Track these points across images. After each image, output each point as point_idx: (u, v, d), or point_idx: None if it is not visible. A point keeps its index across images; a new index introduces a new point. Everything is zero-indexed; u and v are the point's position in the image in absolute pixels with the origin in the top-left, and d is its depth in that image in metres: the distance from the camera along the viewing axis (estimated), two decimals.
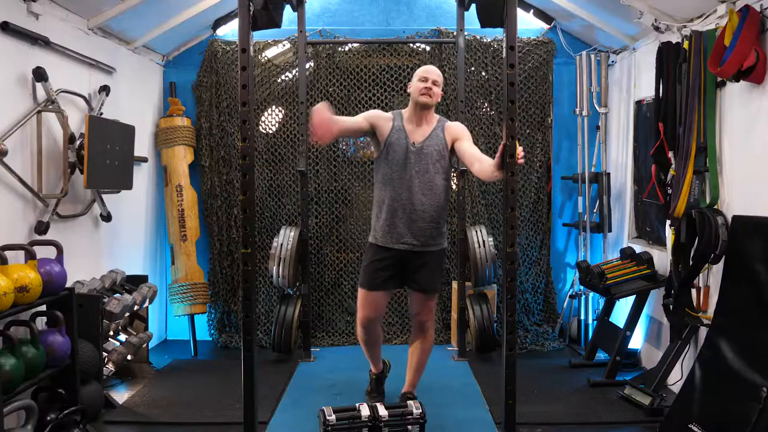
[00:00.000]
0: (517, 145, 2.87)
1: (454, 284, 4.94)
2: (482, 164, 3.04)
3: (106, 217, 4.13)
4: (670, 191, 3.74)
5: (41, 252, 3.22)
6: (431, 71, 3.25)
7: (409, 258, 3.28)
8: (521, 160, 2.85)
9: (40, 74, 3.41)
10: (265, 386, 3.89)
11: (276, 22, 3.50)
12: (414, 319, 3.47)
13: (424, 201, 3.21)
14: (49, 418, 3.05)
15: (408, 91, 3.31)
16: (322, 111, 2.80)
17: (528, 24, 5.15)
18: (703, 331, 3.48)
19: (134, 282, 4.34)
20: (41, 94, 3.49)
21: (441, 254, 3.37)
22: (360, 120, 3.23)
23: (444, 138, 3.25)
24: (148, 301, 4.35)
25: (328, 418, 3.02)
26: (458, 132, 3.26)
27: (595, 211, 5.05)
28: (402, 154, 3.21)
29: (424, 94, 3.19)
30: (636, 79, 4.63)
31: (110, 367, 3.99)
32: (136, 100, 4.75)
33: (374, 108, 5.08)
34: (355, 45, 5.13)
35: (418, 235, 3.23)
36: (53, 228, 3.56)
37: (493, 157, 2.97)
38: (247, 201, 2.87)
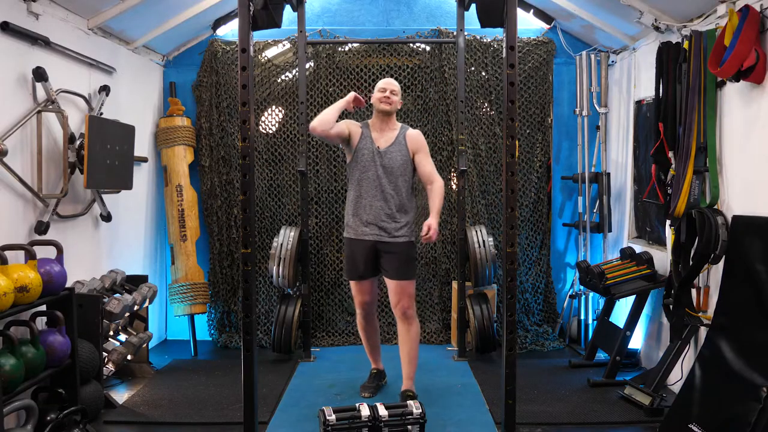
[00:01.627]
0: (431, 229, 3.45)
1: (454, 284, 4.94)
2: (431, 189, 3.62)
3: (106, 217, 4.13)
4: (670, 191, 3.74)
5: (41, 252, 3.22)
6: (389, 82, 3.73)
7: (379, 248, 3.66)
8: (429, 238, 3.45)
9: (40, 74, 3.41)
10: (265, 386, 3.90)
11: (276, 22, 3.50)
12: (395, 310, 3.73)
13: (389, 199, 3.63)
14: (49, 418, 3.05)
15: (371, 101, 3.75)
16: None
17: (528, 24, 5.15)
18: (703, 331, 3.49)
19: (134, 282, 4.34)
20: (41, 94, 3.49)
21: (408, 245, 3.70)
22: (342, 125, 3.67)
23: (406, 145, 3.69)
24: (148, 301, 4.35)
25: (328, 418, 3.02)
26: (418, 144, 3.71)
27: (595, 211, 5.05)
28: (369, 157, 3.66)
29: (383, 102, 3.66)
30: (636, 79, 4.63)
31: (110, 367, 3.99)
32: (136, 100, 4.76)
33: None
34: (355, 45, 5.13)
35: (385, 228, 3.63)
36: (53, 228, 3.56)
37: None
38: (247, 201, 2.87)
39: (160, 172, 5.09)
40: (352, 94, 3.66)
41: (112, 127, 3.97)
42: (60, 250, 3.32)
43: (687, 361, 3.56)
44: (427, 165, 3.68)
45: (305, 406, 3.65)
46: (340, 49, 5.15)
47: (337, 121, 3.60)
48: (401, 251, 3.66)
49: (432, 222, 3.48)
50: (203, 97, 5.17)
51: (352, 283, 3.82)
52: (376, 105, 3.68)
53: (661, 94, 3.77)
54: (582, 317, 5.06)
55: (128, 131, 4.17)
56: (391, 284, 3.70)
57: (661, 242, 4.26)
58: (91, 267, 4.08)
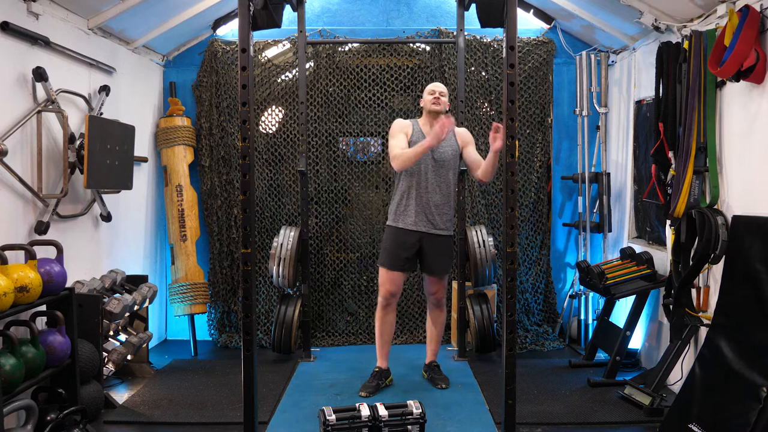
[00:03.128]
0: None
1: (454, 284, 4.93)
2: (484, 167, 3.72)
3: (106, 217, 4.14)
4: (670, 191, 3.74)
5: (41, 252, 3.22)
6: (437, 86, 3.94)
7: (424, 240, 3.85)
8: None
9: (40, 74, 3.41)
10: (265, 386, 3.90)
11: (276, 22, 3.50)
12: (430, 297, 4.06)
13: (438, 192, 3.83)
14: (49, 418, 3.05)
15: (421, 105, 3.99)
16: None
17: (528, 24, 5.16)
18: (703, 331, 3.49)
19: (134, 282, 4.34)
20: (41, 94, 3.49)
21: (450, 239, 3.97)
22: (402, 138, 3.85)
23: (456, 141, 3.91)
24: (148, 301, 4.35)
25: (328, 418, 3.02)
26: (467, 139, 3.96)
27: (595, 211, 5.05)
28: None
29: (434, 103, 3.88)
30: (636, 79, 4.63)
31: (110, 367, 4.00)
32: (136, 100, 4.76)
33: (374, 107, 5.11)
34: (355, 45, 5.13)
35: (433, 221, 3.83)
36: (53, 228, 3.56)
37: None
38: (247, 201, 2.87)
39: (160, 172, 5.09)
40: (437, 134, 3.54)
41: (112, 127, 3.97)
42: (60, 250, 3.32)
43: (687, 361, 3.56)
44: (475, 154, 3.91)
45: (305, 406, 3.65)
46: (340, 49, 5.15)
47: (403, 139, 3.81)
48: (445, 245, 3.91)
49: (500, 141, 3.40)
50: (203, 97, 5.17)
51: (384, 272, 3.90)
52: (428, 107, 3.89)
53: (661, 94, 3.77)
54: (582, 317, 5.06)
55: (128, 131, 4.17)
56: (432, 277, 3.96)
57: (661, 242, 4.26)
58: (91, 267, 4.08)
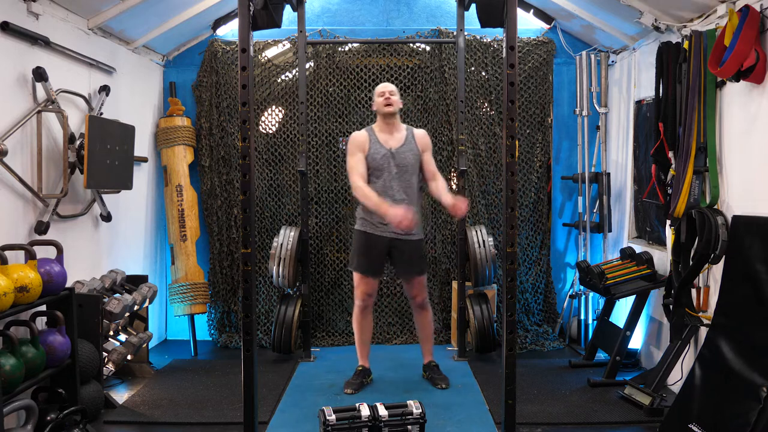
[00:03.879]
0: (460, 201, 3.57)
1: (454, 284, 4.93)
2: (436, 184, 3.79)
3: (106, 217, 4.13)
4: (670, 191, 3.74)
5: (41, 252, 3.22)
6: (386, 86, 3.88)
7: (393, 246, 3.82)
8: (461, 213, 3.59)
9: (40, 74, 3.41)
10: (265, 386, 3.90)
11: (276, 22, 3.50)
12: (412, 302, 4.02)
13: (404, 197, 3.75)
14: (49, 418, 3.04)
15: (373, 108, 3.91)
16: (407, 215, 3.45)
17: (528, 24, 5.15)
18: (703, 331, 3.48)
19: (134, 282, 4.34)
20: (41, 94, 3.49)
21: (421, 242, 3.94)
22: (360, 157, 3.78)
23: (416, 145, 3.86)
24: (148, 301, 4.35)
25: (328, 418, 3.02)
26: (426, 144, 3.91)
27: (595, 211, 5.05)
28: (383, 159, 3.77)
29: (386, 105, 3.80)
30: (636, 79, 4.63)
31: (110, 367, 3.99)
32: (136, 100, 4.76)
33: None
34: (355, 45, 5.13)
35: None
36: (53, 228, 3.56)
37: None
38: (247, 201, 2.87)
39: (160, 172, 5.09)
40: (396, 218, 3.47)
41: (112, 127, 3.97)
42: (60, 250, 3.32)
43: (687, 361, 3.56)
44: (432, 164, 3.89)
45: (305, 406, 3.65)
46: (340, 49, 5.15)
47: (353, 161, 3.78)
48: (416, 248, 3.87)
49: (450, 198, 3.61)
50: (203, 97, 5.17)
51: (359, 276, 3.89)
52: (380, 110, 3.83)
53: (661, 94, 3.77)
54: (582, 317, 5.06)
55: (128, 131, 4.17)
56: (409, 281, 3.93)
57: (661, 242, 4.26)
58: (91, 267, 4.08)
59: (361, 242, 3.87)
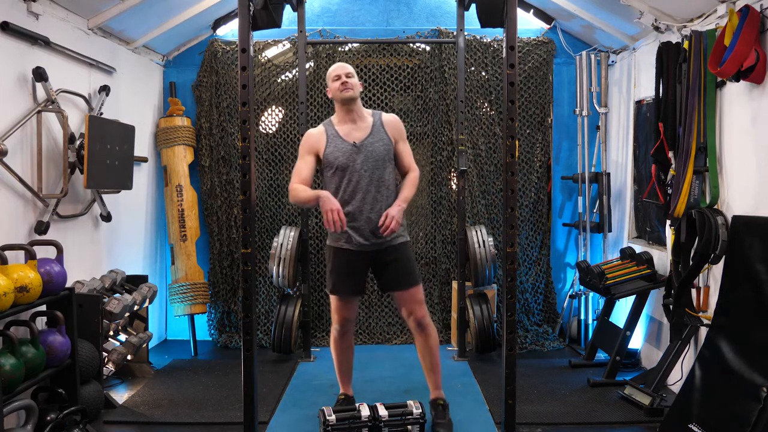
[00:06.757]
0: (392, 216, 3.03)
1: (454, 284, 4.94)
2: (408, 176, 3.25)
3: (106, 217, 4.13)
4: (670, 191, 3.74)
5: (41, 252, 3.22)
6: (340, 66, 3.24)
7: (376, 258, 3.24)
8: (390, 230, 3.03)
9: (40, 74, 3.41)
10: (265, 386, 3.90)
11: (276, 22, 3.50)
12: (409, 321, 3.28)
13: (378, 197, 3.18)
14: (49, 418, 3.05)
15: (329, 96, 3.31)
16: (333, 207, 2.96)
17: (528, 24, 5.15)
18: (703, 331, 3.48)
19: (134, 282, 4.34)
20: (41, 94, 3.49)
21: (406, 246, 3.29)
22: (308, 160, 3.22)
23: (386, 134, 3.25)
24: (148, 301, 4.35)
25: (328, 418, 3.02)
26: (398, 130, 3.30)
27: (595, 211, 5.05)
28: (346, 157, 3.18)
29: (342, 89, 3.18)
30: (636, 79, 4.63)
31: (110, 367, 4.00)
32: (136, 100, 4.76)
33: (374, 107, 5.11)
34: (355, 45, 5.13)
35: (377, 233, 3.14)
36: (53, 228, 3.56)
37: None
38: (247, 201, 2.87)
39: (160, 172, 5.09)
40: (325, 206, 2.97)
41: (112, 127, 3.97)
42: (60, 250, 3.32)
43: (687, 361, 3.56)
44: (407, 155, 3.30)
45: (305, 406, 3.65)
46: (340, 49, 5.15)
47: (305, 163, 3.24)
48: (402, 255, 3.24)
49: (393, 210, 3.04)
50: (203, 97, 5.17)
51: (336, 299, 3.32)
52: (337, 96, 3.21)
53: (661, 94, 3.77)
54: (582, 317, 5.06)
55: (128, 131, 4.17)
56: (399, 295, 3.26)
57: (661, 242, 4.26)
58: (91, 267, 4.08)
59: (335, 260, 3.28)
